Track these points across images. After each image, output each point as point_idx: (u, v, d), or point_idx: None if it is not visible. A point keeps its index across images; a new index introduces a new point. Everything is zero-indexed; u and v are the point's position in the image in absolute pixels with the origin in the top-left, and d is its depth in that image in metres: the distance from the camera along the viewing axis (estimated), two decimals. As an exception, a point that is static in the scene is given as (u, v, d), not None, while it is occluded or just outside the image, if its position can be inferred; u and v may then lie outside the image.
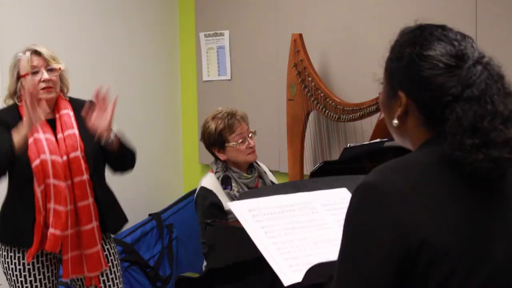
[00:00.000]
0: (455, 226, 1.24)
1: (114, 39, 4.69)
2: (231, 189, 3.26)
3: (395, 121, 1.38)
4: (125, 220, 3.25)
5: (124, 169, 3.17)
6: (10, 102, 3.05)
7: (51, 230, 2.91)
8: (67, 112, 3.05)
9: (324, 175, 2.50)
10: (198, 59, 4.94)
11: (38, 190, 2.92)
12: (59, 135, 3.00)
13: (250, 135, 3.37)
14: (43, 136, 2.96)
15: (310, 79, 3.93)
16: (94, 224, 3.01)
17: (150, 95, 4.95)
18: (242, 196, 2.12)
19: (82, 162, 2.98)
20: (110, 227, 3.13)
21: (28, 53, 2.98)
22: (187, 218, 4.75)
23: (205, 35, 4.86)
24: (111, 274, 3.13)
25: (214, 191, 3.26)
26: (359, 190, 1.28)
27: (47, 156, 2.92)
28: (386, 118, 1.44)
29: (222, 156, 3.34)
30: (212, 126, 3.33)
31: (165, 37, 5.03)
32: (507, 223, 1.29)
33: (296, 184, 2.56)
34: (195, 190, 4.88)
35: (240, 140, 3.31)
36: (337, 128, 4.08)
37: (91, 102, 3.09)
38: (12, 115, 2.99)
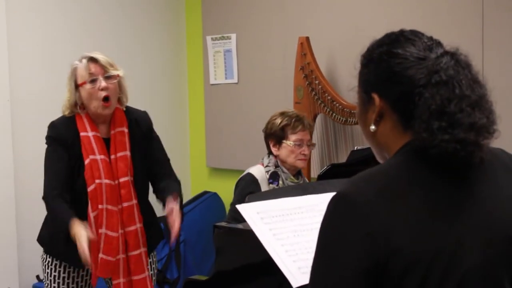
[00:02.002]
0: (426, 233, 1.24)
1: (121, 43, 4.70)
2: (277, 185, 3.29)
3: (372, 127, 1.37)
4: (161, 237, 3.24)
5: None
6: (68, 112, 2.93)
7: (102, 256, 2.85)
8: (122, 130, 2.95)
9: (332, 178, 2.50)
10: (205, 62, 4.95)
11: (91, 215, 2.84)
12: (112, 156, 2.91)
13: (309, 143, 3.41)
14: (99, 157, 2.87)
15: (317, 82, 3.94)
16: (142, 250, 2.96)
17: (157, 98, 4.97)
18: (251, 198, 2.13)
19: (131, 186, 2.92)
20: (151, 247, 3.09)
21: (84, 61, 2.87)
22: (194, 221, 4.76)
23: (212, 38, 4.87)
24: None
25: (260, 181, 3.32)
26: (332, 201, 1.29)
27: (102, 180, 2.85)
28: (363, 129, 1.44)
29: (275, 151, 3.39)
30: (278, 120, 3.40)
31: (172, 40, 5.05)
32: (479, 224, 1.28)
33: (304, 186, 2.57)
34: (202, 193, 4.94)
35: (298, 143, 3.35)
36: (344, 131, 4.08)
37: (145, 114, 3.11)
38: (70, 130, 2.89)
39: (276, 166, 3.38)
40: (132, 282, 2.95)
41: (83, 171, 2.85)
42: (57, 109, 2.99)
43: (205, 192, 4.96)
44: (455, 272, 1.25)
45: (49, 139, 2.92)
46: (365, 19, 3.99)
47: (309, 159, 4.07)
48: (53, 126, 2.93)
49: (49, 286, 2.99)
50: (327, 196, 2.10)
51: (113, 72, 2.90)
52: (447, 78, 1.28)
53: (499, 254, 1.28)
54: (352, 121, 3.83)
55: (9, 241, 4.06)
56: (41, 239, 3.04)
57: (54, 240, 2.93)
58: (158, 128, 4.94)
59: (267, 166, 3.39)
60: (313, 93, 3.96)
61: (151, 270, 3.09)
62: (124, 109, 3.02)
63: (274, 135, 3.38)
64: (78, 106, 2.90)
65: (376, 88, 1.36)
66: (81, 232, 2.64)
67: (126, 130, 2.96)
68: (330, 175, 2.80)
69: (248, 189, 3.27)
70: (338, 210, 1.27)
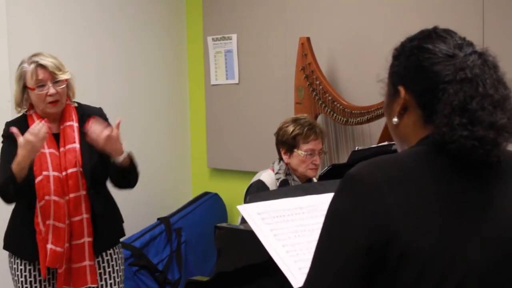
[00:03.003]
0: (430, 226, 1.24)
1: (122, 43, 4.71)
2: None
3: (395, 119, 1.39)
4: (121, 234, 3.22)
5: (126, 187, 3.16)
6: (20, 110, 3.06)
7: (51, 247, 2.93)
8: (71, 124, 3.04)
9: (333, 178, 2.50)
10: (206, 63, 4.95)
11: (38, 206, 2.95)
12: (61, 149, 3.00)
13: (320, 152, 3.38)
14: (48, 150, 2.97)
15: (318, 82, 3.94)
16: (86, 240, 3.00)
17: (158, 99, 4.97)
18: (252, 199, 2.13)
19: (80, 177, 2.98)
20: (102, 243, 3.09)
21: (33, 66, 2.95)
22: (195, 222, 4.76)
23: (213, 39, 4.87)
24: (110, 279, 3.11)
25: (270, 189, 3.28)
26: (341, 180, 1.31)
27: (49, 172, 2.95)
28: (388, 120, 1.45)
29: (285, 158, 3.36)
30: (291, 127, 3.35)
31: (173, 41, 5.05)
32: (488, 224, 1.28)
33: (305, 187, 2.57)
34: (203, 194, 4.94)
35: (309, 153, 3.32)
36: (345, 131, 4.08)
37: (99, 110, 3.13)
38: (22, 128, 2.96)
39: (287, 173, 3.36)
40: (71, 269, 3.01)
41: (33, 165, 2.93)
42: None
43: (206, 193, 4.96)
44: (456, 270, 1.24)
45: (3, 137, 3.08)
46: (365, 19, 3.99)
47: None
48: (7, 125, 3.07)
49: None
50: (328, 197, 2.10)
51: (61, 77, 2.98)
52: (471, 76, 1.29)
53: (504, 256, 1.28)
54: (352, 121, 3.82)
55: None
56: (5, 240, 3.13)
57: (11, 230, 3.08)
58: (159, 128, 4.98)
59: (277, 173, 3.37)
60: (314, 93, 3.96)
61: (111, 276, 3.11)
62: (76, 105, 3.11)
63: (285, 143, 3.35)
64: (26, 104, 3.02)
65: (403, 81, 1.38)
66: (19, 141, 2.81)
67: (75, 124, 3.04)
68: (331, 176, 2.79)
69: None
70: (345, 189, 1.29)
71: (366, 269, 1.24)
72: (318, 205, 2.04)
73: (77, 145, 3.01)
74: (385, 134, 3.65)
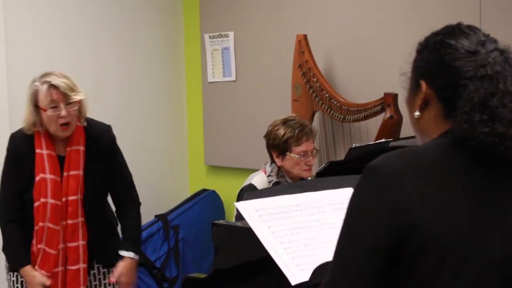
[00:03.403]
0: (451, 216, 1.26)
1: (119, 41, 4.70)
2: None
3: (416, 113, 1.41)
4: (116, 257, 3.21)
5: None
6: (34, 131, 3.00)
7: (37, 269, 2.97)
8: (78, 149, 3.01)
9: (330, 175, 2.51)
10: (203, 60, 4.95)
11: (35, 229, 2.98)
12: (65, 174, 2.99)
13: (313, 152, 3.34)
14: (49, 176, 2.97)
15: (315, 79, 3.94)
16: (81, 266, 3.03)
17: (155, 97, 4.97)
18: (249, 196, 2.13)
19: (79, 204, 3.00)
20: (100, 264, 3.14)
21: (45, 86, 2.90)
22: (193, 219, 4.76)
23: (209, 36, 4.87)
24: None
25: None
26: (362, 173, 1.32)
27: (47, 199, 2.96)
28: (409, 114, 1.47)
29: (278, 162, 3.31)
30: (281, 131, 3.28)
31: (170, 39, 5.05)
32: (508, 218, 1.29)
33: (302, 184, 2.57)
34: (200, 191, 4.94)
35: (302, 155, 3.27)
36: (342, 128, 4.09)
37: (107, 129, 3.12)
38: (27, 146, 2.99)
39: (279, 175, 3.32)
40: None
41: (32, 190, 2.97)
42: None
43: (204, 190, 4.96)
44: (476, 262, 1.25)
45: (8, 152, 3.06)
46: (362, 16, 3.99)
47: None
48: (13, 140, 3.06)
49: None
50: (325, 194, 2.11)
51: (74, 98, 2.94)
52: (492, 73, 1.31)
53: None
54: (350, 118, 3.83)
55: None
56: (4, 252, 3.16)
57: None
58: (156, 125, 4.98)
59: (269, 175, 3.33)
60: (311, 90, 3.97)
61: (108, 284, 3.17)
62: (85, 124, 3.06)
63: (277, 147, 3.29)
64: (37, 124, 2.98)
65: (425, 75, 1.39)
66: (33, 281, 2.94)
67: (82, 148, 3.02)
68: (328, 173, 2.80)
69: None
70: (366, 181, 1.31)
71: (387, 259, 1.25)
72: (316, 202, 2.04)
73: (80, 172, 3.00)
74: (382, 131, 3.66)
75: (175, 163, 5.15)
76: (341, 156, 3.95)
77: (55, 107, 2.91)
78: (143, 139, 4.82)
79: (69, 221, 2.98)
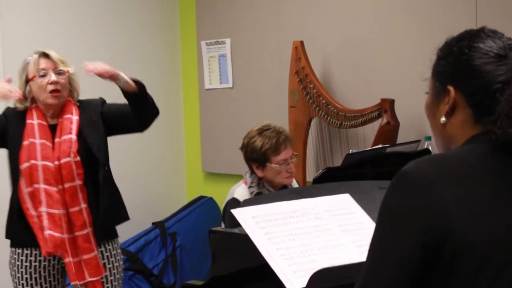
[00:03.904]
0: (487, 221, 1.24)
1: (116, 48, 4.70)
2: None
3: (443, 118, 1.39)
4: (124, 218, 3.23)
5: (144, 116, 3.15)
6: (20, 105, 3.06)
7: (49, 232, 2.94)
8: (69, 117, 3.05)
9: (327, 181, 2.51)
10: (200, 67, 4.96)
11: (25, 191, 2.97)
12: (57, 140, 3.02)
13: (292, 158, 3.31)
14: (39, 141, 2.99)
15: (311, 86, 3.95)
16: (89, 230, 3.02)
17: (152, 104, 4.96)
18: (246, 203, 2.13)
19: (74, 167, 2.99)
20: (105, 233, 3.12)
21: (36, 56, 3.00)
22: (190, 226, 4.76)
23: (206, 43, 4.87)
24: (111, 276, 3.14)
25: None
26: (394, 178, 1.31)
27: (38, 161, 2.96)
28: (432, 120, 1.45)
29: (259, 173, 3.28)
30: (258, 143, 3.24)
31: (166, 46, 5.05)
32: None
33: (299, 190, 2.57)
34: (198, 198, 4.94)
35: (282, 163, 3.25)
36: (339, 134, 4.09)
37: (102, 99, 3.17)
38: (19, 118, 3.03)
39: (260, 186, 3.28)
40: (83, 261, 3.03)
41: (19, 153, 2.98)
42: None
43: (201, 197, 4.96)
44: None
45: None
46: (359, 23, 4.00)
47: (304, 162, 4.08)
48: (6, 110, 3.11)
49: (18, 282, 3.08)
50: (322, 200, 2.11)
51: (64, 68, 3.02)
52: None
53: None
54: (346, 124, 3.83)
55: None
56: (6, 231, 3.15)
57: (8, 220, 3.10)
58: (153, 133, 4.95)
59: (250, 186, 3.30)
60: (308, 97, 3.97)
61: (115, 263, 3.14)
62: (78, 104, 3.13)
63: (256, 160, 3.26)
64: (28, 100, 3.03)
65: (452, 81, 1.38)
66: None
67: (75, 117, 3.06)
68: (325, 179, 2.80)
69: None
70: (398, 187, 1.29)
71: (421, 268, 1.24)
72: (313, 208, 2.04)
73: (73, 136, 3.01)
74: (379, 137, 3.67)
75: (173, 170, 5.15)
76: (338, 162, 3.95)
77: (44, 76, 2.98)
78: (140, 146, 4.82)
79: (66, 185, 2.97)
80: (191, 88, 5.07)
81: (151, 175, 4.87)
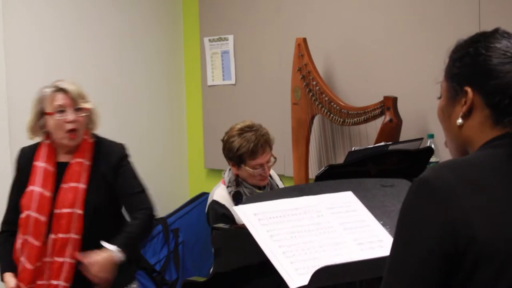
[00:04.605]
0: (508, 230, 1.24)
1: (119, 45, 4.71)
2: None
3: (459, 120, 1.38)
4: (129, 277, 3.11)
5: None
6: (33, 137, 2.95)
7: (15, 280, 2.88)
8: (80, 162, 2.90)
9: (329, 179, 2.51)
10: (202, 64, 4.96)
11: (18, 241, 2.91)
12: (64, 185, 2.88)
13: (269, 163, 3.29)
14: (37, 189, 2.88)
15: (314, 83, 3.94)
16: (61, 283, 2.85)
17: (155, 100, 4.97)
18: (248, 200, 2.13)
19: (75, 219, 2.84)
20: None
21: (54, 90, 2.86)
22: (192, 223, 4.76)
23: (209, 40, 4.87)
24: None
25: (227, 205, 3.21)
26: (413, 185, 1.29)
27: (30, 212, 2.86)
28: (446, 123, 1.44)
29: (234, 171, 3.29)
30: (236, 144, 3.22)
31: (169, 42, 5.05)
32: None
33: (301, 187, 2.57)
34: (200, 194, 4.94)
35: (258, 168, 3.24)
36: (342, 132, 4.09)
37: (122, 146, 3.01)
38: (27, 157, 2.95)
39: (237, 184, 3.28)
40: None
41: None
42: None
43: (203, 194, 4.96)
44: None
45: (15, 164, 3.03)
46: (361, 20, 3.99)
47: (307, 160, 4.08)
48: (19, 152, 3.03)
49: None
50: (324, 198, 2.11)
51: (83, 105, 2.88)
52: None
53: None
54: (349, 121, 3.83)
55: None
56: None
57: None
58: (156, 129, 4.98)
59: (228, 186, 3.29)
60: (311, 94, 3.97)
61: None
62: (94, 140, 2.98)
63: (232, 158, 3.26)
64: (42, 132, 2.92)
65: (469, 82, 1.37)
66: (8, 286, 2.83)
67: (87, 162, 2.91)
68: (328, 176, 2.80)
69: (220, 212, 3.19)
70: (419, 195, 1.28)
71: (442, 273, 1.23)
72: (315, 206, 2.04)
73: (81, 185, 2.87)
74: (382, 135, 3.66)
75: (175, 166, 5.15)
76: (340, 159, 3.95)
77: (63, 111, 2.85)
78: (143, 142, 4.82)
79: (60, 235, 2.84)
80: (194, 84, 5.07)
81: (153, 172, 4.87)
